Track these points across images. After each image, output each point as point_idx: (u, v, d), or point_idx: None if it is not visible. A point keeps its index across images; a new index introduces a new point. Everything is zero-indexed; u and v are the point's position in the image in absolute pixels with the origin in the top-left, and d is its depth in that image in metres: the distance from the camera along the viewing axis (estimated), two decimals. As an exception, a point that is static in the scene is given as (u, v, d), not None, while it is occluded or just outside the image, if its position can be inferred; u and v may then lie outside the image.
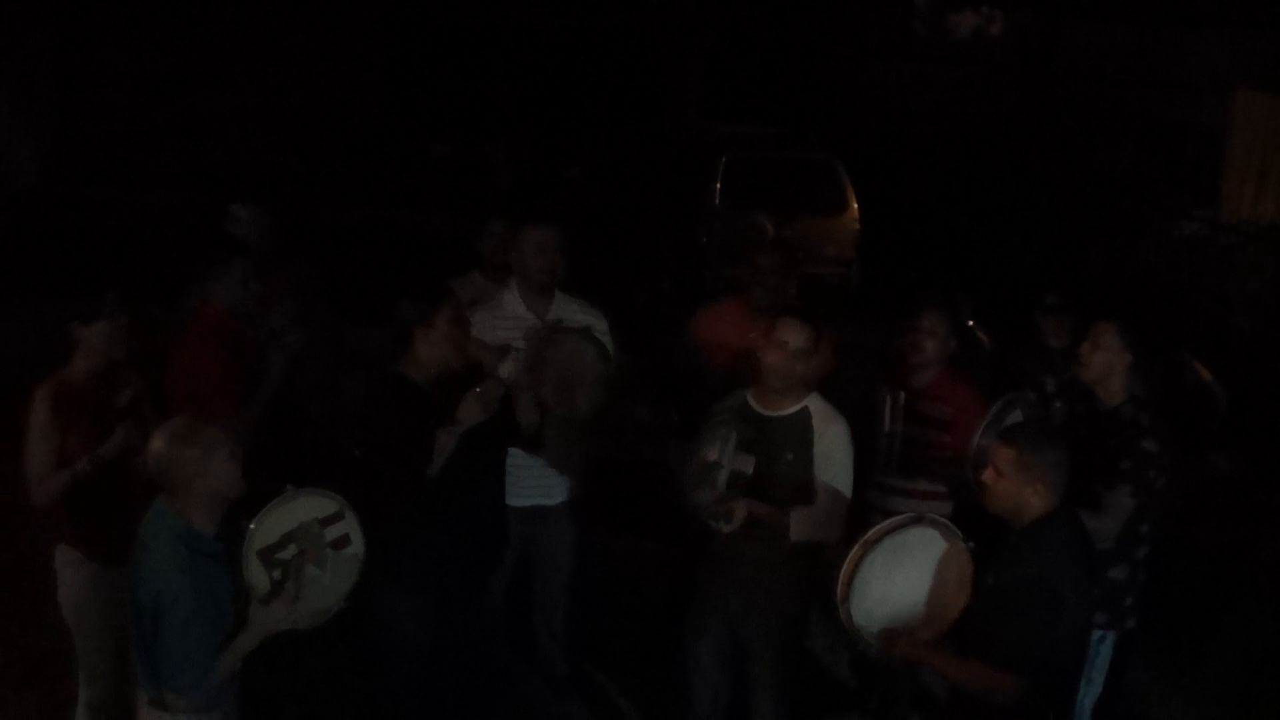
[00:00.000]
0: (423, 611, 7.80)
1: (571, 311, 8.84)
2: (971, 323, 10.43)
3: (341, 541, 6.61)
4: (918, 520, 6.82)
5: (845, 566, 6.68)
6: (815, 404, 7.64)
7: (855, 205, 20.81)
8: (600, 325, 8.78)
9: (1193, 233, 21.70)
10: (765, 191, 19.87)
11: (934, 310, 8.65)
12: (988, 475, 6.63)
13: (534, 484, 8.83)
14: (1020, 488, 6.46)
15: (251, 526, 6.29)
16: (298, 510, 6.47)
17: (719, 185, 20.34)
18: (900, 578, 6.76)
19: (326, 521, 6.55)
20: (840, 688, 9.53)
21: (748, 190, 20.01)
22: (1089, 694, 7.90)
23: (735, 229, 17.99)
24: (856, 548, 6.71)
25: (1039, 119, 27.30)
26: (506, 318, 8.64)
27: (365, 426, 7.65)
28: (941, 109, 29.33)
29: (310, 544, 6.44)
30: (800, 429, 7.54)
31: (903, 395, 8.46)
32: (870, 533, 6.75)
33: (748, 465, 7.42)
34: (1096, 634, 7.53)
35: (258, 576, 6.30)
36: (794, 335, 7.52)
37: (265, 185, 22.25)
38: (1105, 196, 23.64)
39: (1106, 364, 7.90)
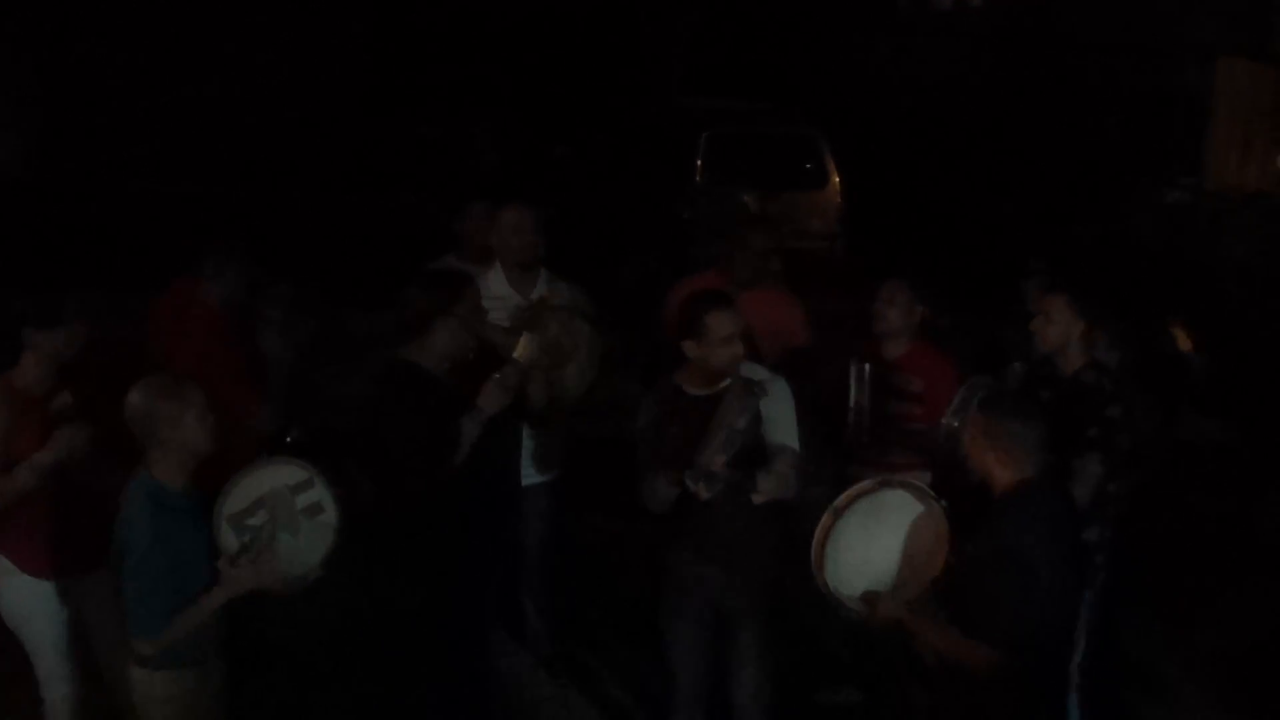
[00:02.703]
0: (450, 600, 7.82)
1: (556, 290, 8.91)
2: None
3: (314, 509, 6.69)
4: (887, 484, 6.85)
5: (817, 535, 6.71)
6: (748, 368, 7.61)
7: (837, 179, 20.82)
8: (586, 307, 8.79)
9: (1178, 200, 21.71)
10: (747, 167, 19.89)
11: (893, 280, 8.65)
12: (966, 443, 6.66)
13: (523, 463, 8.80)
14: (985, 456, 6.48)
15: (223, 491, 6.42)
16: (268, 477, 6.61)
17: (701, 161, 20.35)
18: (876, 542, 6.78)
19: (297, 489, 6.64)
20: (833, 660, 9.52)
21: (730, 166, 20.03)
22: (1073, 654, 7.89)
23: (718, 205, 18.00)
24: (826, 515, 6.72)
25: (1022, 89, 27.29)
26: (491, 299, 8.55)
27: (382, 417, 7.62)
28: (925, 81, 29.31)
29: (280, 510, 6.52)
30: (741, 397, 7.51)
31: (869, 367, 8.43)
32: (839, 499, 6.77)
33: (721, 450, 7.39)
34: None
35: (226, 540, 6.44)
36: (726, 324, 7.47)
37: (252, 172, 22.28)
38: (1091, 166, 23.65)
39: (1061, 334, 7.93)
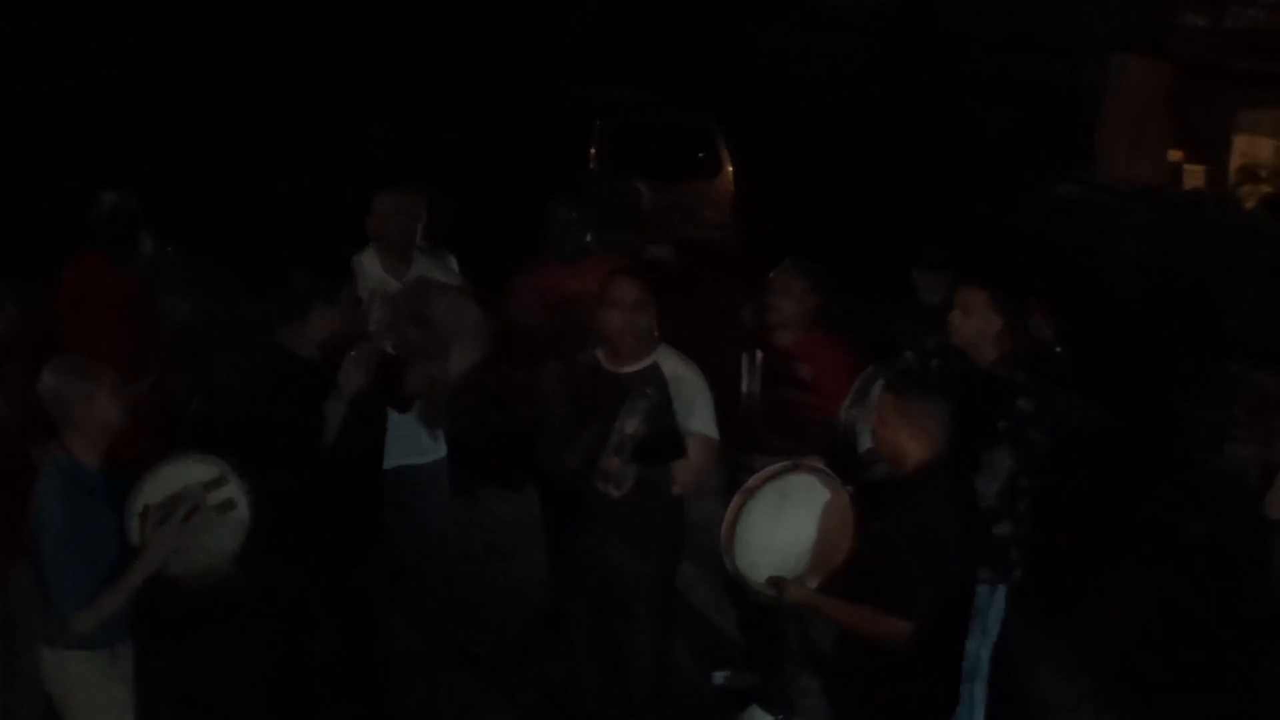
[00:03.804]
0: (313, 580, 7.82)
1: (429, 270, 8.99)
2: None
3: (226, 506, 6.68)
4: (796, 467, 6.85)
5: (728, 516, 6.72)
6: (664, 356, 7.67)
7: (730, 169, 20.85)
8: (465, 286, 8.85)
9: (1068, 193, 21.85)
10: (642, 156, 19.89)
11: (787, 270, 8.67)
12: (874, 423, 6.69)
13: (403, 444, 8.75)
14: (898, 433, 6.51)
15: (135, 485, 6.44)
16: (180, 473, 6.60)
17: (595, 149, 20.34)
18: (784, 525, 6.78)
19: (210, 486, 6.63)
20: (728, 645, 9.56)
21: (624, 155, 20.02)
22: (985, 644, 7.92)
23: (612, 193, 17.99)
24: (737, 496, 6.75)
25: (915, 83, 27.41)
26: (367, 281, 8.68)
27: (251, 401, 7.61)
28: (819, 73, 29.38)
29: (190, 514, 6.51)
30: (655, 383, 7.54)
31: (760, 355, 8.47)
32: (751, 480, 6.80)
33: (642, 429, 7.41)
34: (986, 588, 7.55)
35: (134, 532, 6.43)
36: (627, 291, 7.54)
37: (140, 156, 22.07)
38: (982, 158, 23.79)
39: (978, 329, 7.94)
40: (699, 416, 7.60)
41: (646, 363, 7.60)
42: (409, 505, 8.97)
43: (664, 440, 7.49)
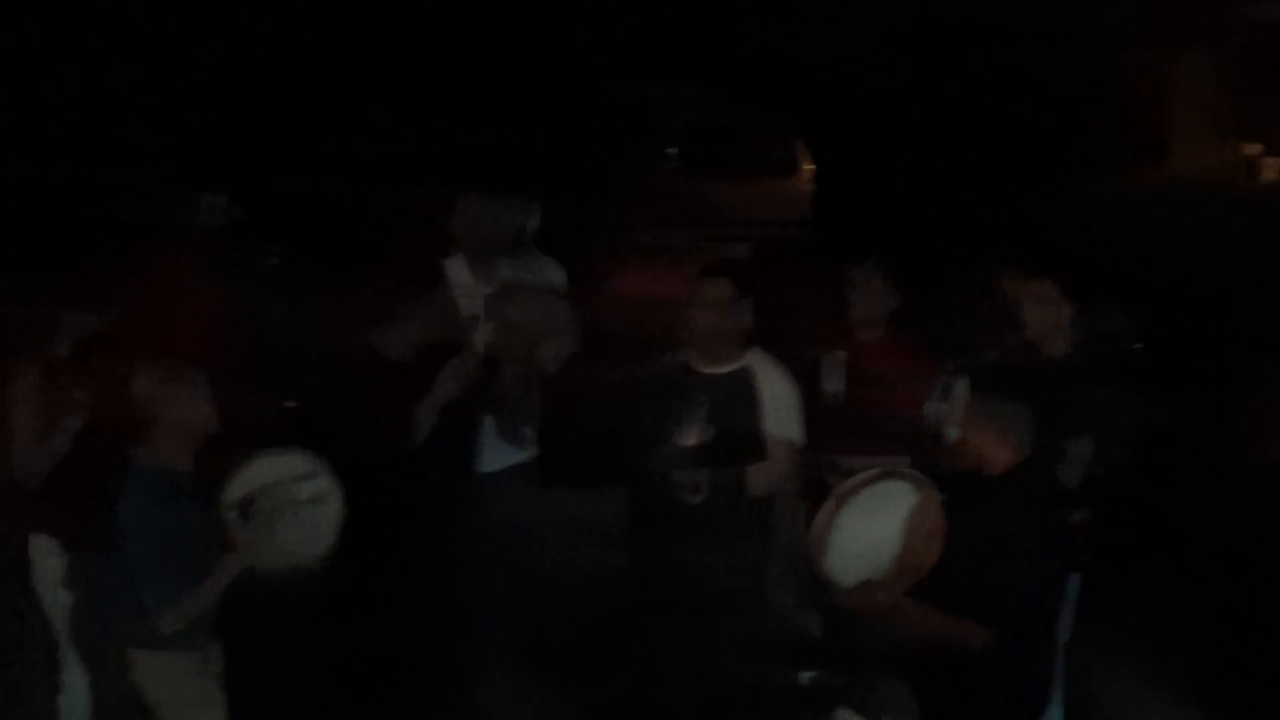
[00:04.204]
0: (400, 581, 7.86)
1: (518, 273, 8.96)
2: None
3: (316, 499, 6.72)
4: (891, 473, 6.80)
5: (819, 521, 6.68)
6: (755, 358, 7.67)
7: (808, 167, 20.85)
8: (558, 277, 8.86)
9: (1136, 189, 21.76)
10: (720, 155, 19.89)
11: (867, 269, 8.68)
12: (957, 427, 6.69)
13: (493, 445, 8.78)
14: (981, 437, 6.52)
15: (227, 478, 6.50)
16: (271, 467, 6.65)
17: (674, 149, 20.36)
18: (874, 531, 6.71)
19: (301, 479, 6.67)
20: (815, 646, 9.55)
21: (702, 154, 20.04)
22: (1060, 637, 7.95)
23: (689, 192, 18.04)
24: (831, 501, 6.68)
25: (975, 78, 27.29)
26: (455, 286, 8.70)
27: (344, 402, 7.67)
28: (887, 70, 29.26)
29: (281, 499, 6.52)
30: (744, 385, 7.55)
31: (842, 355, 8.48)
32: (843, 486, 6.74)
33: (709, 434, 7.43)
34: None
35: (229, 528, 6.50)
36: (719, 290, 7.55)
37: (204, 158, 22.13)
38: (1046, 155, 23.68)
39: (1050, 320, 7.96)
40: (784, 421, 7.60)
41: (738, 365, 7.61)
42: (498, 505, 9.03)
43: (741, 443, 7.50)
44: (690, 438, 7.35)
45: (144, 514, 6.33)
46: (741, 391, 7.52)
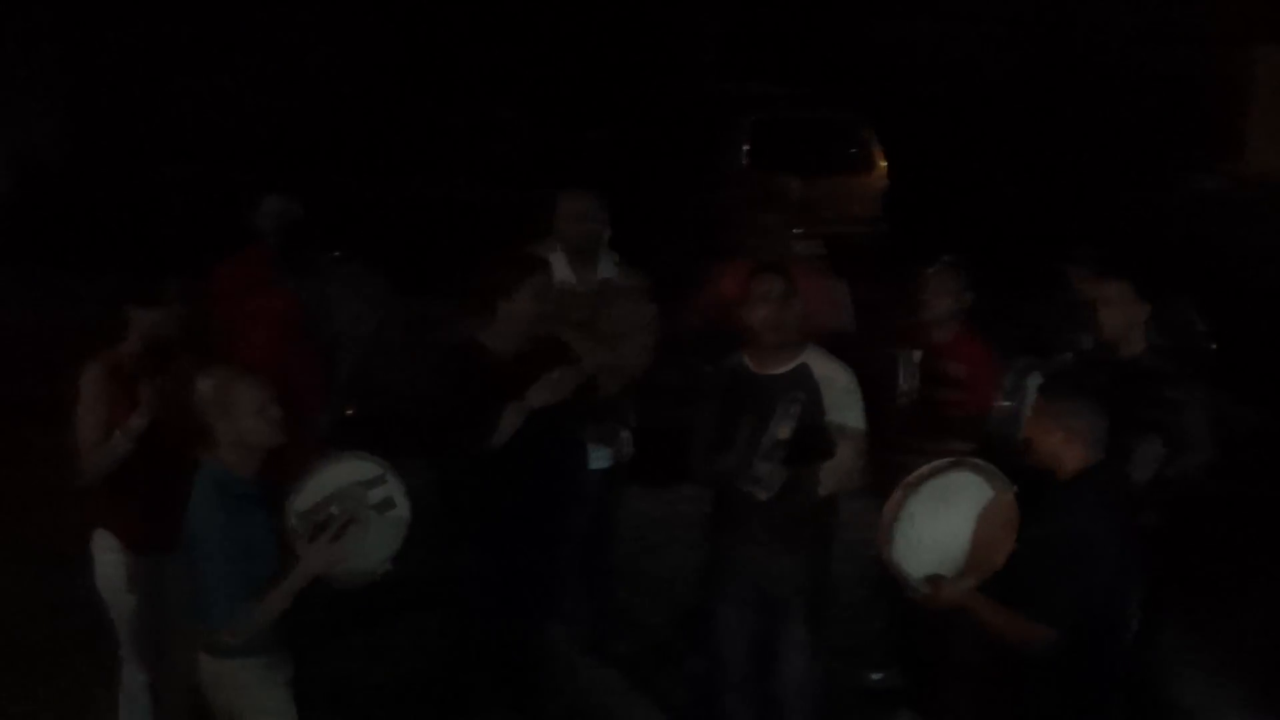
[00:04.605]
0: (481, 573, 7.84)
1: (618, 275, 9.04)
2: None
3: (385, 505, 6.67)
4: (959, 464, 6.76)
5: (887, 509, 6.64)
6: (813, 355, 7.62)
7: (883, 164, 20.78)
8: (648, 289, 8.86)
9: (1215, 186, 21.62)
10: (792, 151, 19.85)
11: (940, 269, 8.63)
12: (1028, 428, 6.64)
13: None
14: (1053, 440, 6.47)
15: (294, 486, 6.44)
16: (339, 473, 6.58)
17: (746, 146, 20.31)
18: (943, 523, 6.69)
19: (369, 484, 6.62)
20: (880, 645, 9.50)
21: (774, 150, 19.99)
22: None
23: (762, 189, 17.98)
24: (898, 490, 6.65)
25: (1060, 74, 27.20)
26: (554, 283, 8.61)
27: (436, 391, 7.68)
28: (965, 65, 29.20)
29: (351, 505, 6.48)
30: (804, 383, 7.52)
31: (917, 354, 8.43)
32: (912, 475, 6.69)
33: (786, 431, 7.39)
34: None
35: (292, 537, 6.41)
36: (771, 285, 7.53)
37: (281, 157, 22.26)
38: (1127, 151, 23.57)
39: (1124, 320, 7.89)
40: (848, 416, 7.55)
41: (795, 364, 7.56)
42: (591, 505, 9.05)
43: (813, 441, 7.46)
44: (784, 431, 7.30)
45: (209, 519, 6.24)
46: (802, 389, 7.47)
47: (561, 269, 8.81)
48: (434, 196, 22.20)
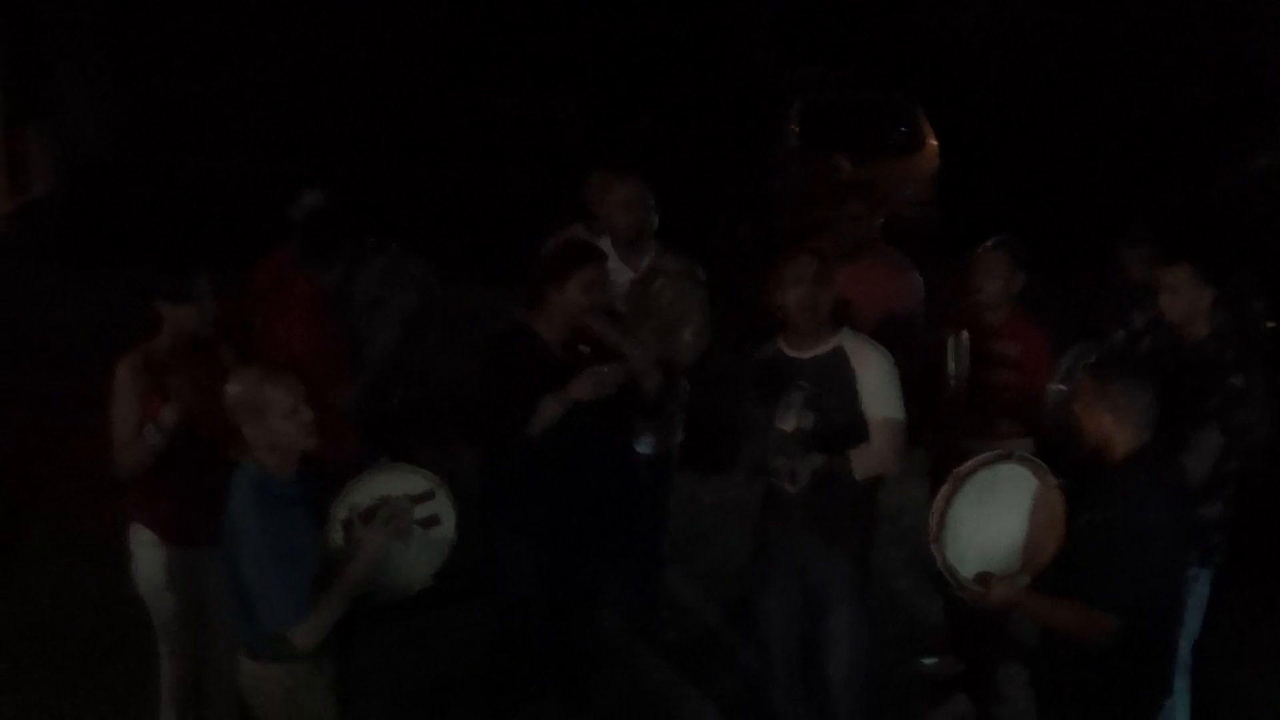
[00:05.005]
0: (526, 562, 7.76)
1: (666, 262, 8.84)
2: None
3: (430, 521, 6.55)
4: (1007, 456, 6.63)
5: (937, 503, 6.53)
6: (848, 339, 7.53)
7: (934, 144, 20.68)
8: (698, 274, 8.74)
9: (1268, 165, 21.42)
10: (842, 133, 19.78)
11: (991, 250, 8.51)
12: (1078, 410, 6.53)
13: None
14: (1102, 422, 6.36)
15: (341, 492, 6.34)
16: (387, 484, 6.46)
17: (796, 128, 20.24)
18: (992, 517, 6.58)
19: (417, 499, 6.49)
20: (934, 631, 9.42)
21: (825, 132, 19.93)
22: (1186, 634, 7.70)
23: (812, 172, 17.90)
24: (947, 484, 6.54)
25: (1112, 53, 27.05)
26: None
27: (478, 378, 7.62)
28: (1016, 45, 29.08)
29: (397, 518, 6.36)
30: (839, 367, 7.43)
31: (966, 336, 8.31)
32: (961, 467, 6.57)
33: (808, 420, 7.31)
34: (1190, 572, 7.36)
35: (338, 543, 6.32)
36: (806, 267, 7.45)
37: (330, 146, 22.29)
38: (1182, 130, 23.42)
39: (1189, 305, 7.75)
40: (884, 400, 7.44)
41: (830, 346, 7.47)
42: (640, 493, 8.97)
43: (842, 427, 7.38)
44: (788, 423, 7.23)
45: (249, 523, 6.12)
46: (837, 373, 7.38)
47: (610, 257, 8.73)
48: (484, 185, 22.22)
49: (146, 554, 7.56)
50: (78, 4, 25.73)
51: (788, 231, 13.58)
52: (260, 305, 8.81)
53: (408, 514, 6.40)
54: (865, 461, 7.35)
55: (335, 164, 17.45)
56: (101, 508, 9.34)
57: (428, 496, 6.54)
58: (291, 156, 21.57)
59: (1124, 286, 9.85)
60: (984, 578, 6.55)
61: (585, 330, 7.68)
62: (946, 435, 8.33)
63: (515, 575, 7.83)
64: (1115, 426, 6.34)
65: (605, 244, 8.74)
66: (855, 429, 7.37)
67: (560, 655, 8.39)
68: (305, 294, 8.62)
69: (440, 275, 8.84)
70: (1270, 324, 9.75)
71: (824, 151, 18.41)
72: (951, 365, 8.28)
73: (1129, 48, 26.74)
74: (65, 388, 12.31)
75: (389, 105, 27.43)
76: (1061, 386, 7.56)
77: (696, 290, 8.40)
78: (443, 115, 26.84)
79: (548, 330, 7.62)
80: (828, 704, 7.79)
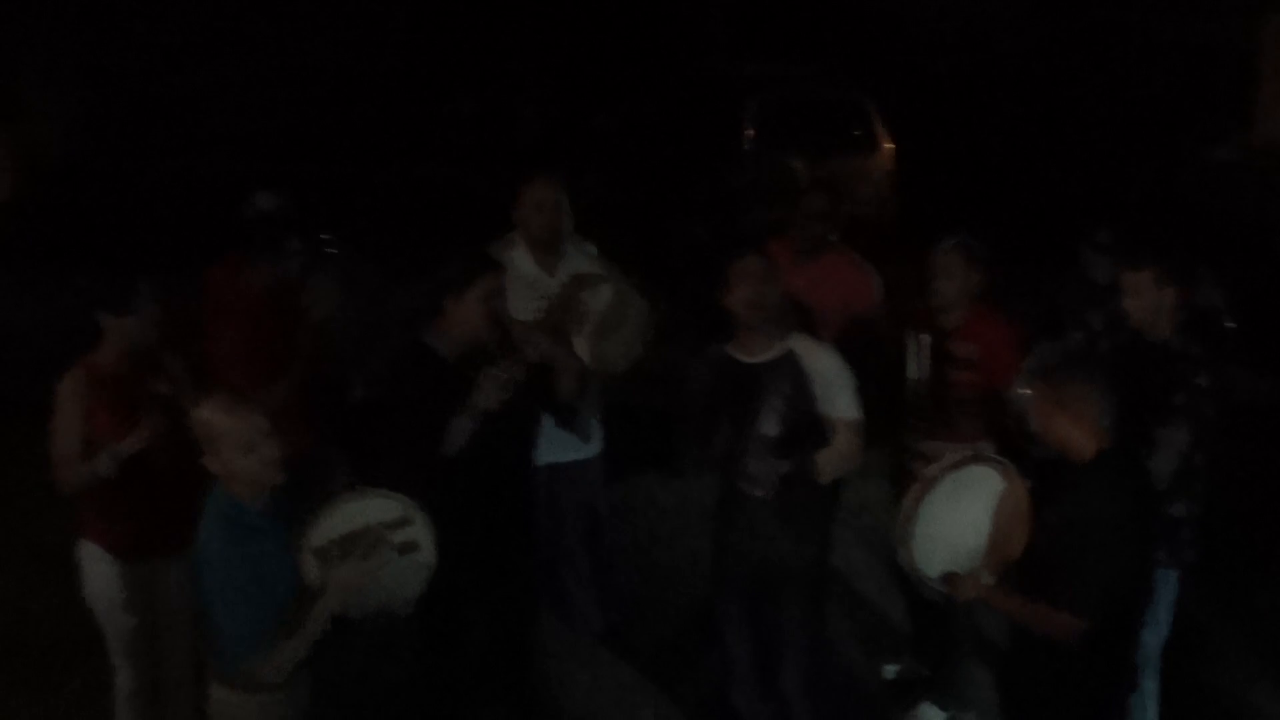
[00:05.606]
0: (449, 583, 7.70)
1: (580, 264, 8.75)
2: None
3: (409, 547, 6.44)
4: (975, 458, 6.67)
5: (905, 508, 6.52)
6: (797, 343, 7.53)
7: (888, 144, 20.70)
8: (611, 271, 8.67)
9: (1224, 157, 21.51)
10: (797, 132, 19.79)
11: (947, 251, 8.49)
12: (1033, 415, 6.53)
13: (555, 441, 8.62)
14: (1060, 424, 6.36)
15: (309, 520, 6.20)
16: (362, 511, 6.34)
17: (750, 128, 20.24)
18: (959, 517, 6.60)
19: (392, 526, 6.38)
20: (897, 635, 9.42)
21: (779, 131, 19.93)
22: (1155, 633, 7.72)
23: (767, 171, 17.92)
24: (915, 488, 6.54)
25: (1066, 46, 27.15)
26: (519, 279, 8.42)
27: (389, 399, 7.50)
28: (969, 42, 29.15)
29: (372, 549, 6.27)
30: (791, 371, 7.42)
31: (928, 337, 8.31)
32: (929, 470, 6.61)
33: (775, 427, 7.31)
34: (1159, 572, 7.37)
35: (310, 572, 6.18)
36: (750, 266, 7.45)
37: (291, 147, 22.23)
38: (1135, 122, 23.52)
39: (1152, 308, 7.75)
40: (840, 402, 7.46)
41: (780, 351, 7.47)
42: (561, 500, 8.94)
43: (805, 432, 7.39)
44: (765, 429, 7.23)
45: (219, 552, 5.93)
46: (792, 377, 7.38)
47: (524, 261, 8.71)
48: (440, 184, 22.15)
49: (96, 569, 7.51)
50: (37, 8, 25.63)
51: (745, 231, 13.55)
52: (207, 305, 8.78)
53: (383, 547, 6.30)
54: (830, 463, 7.36)
55: (296, 165, 17.35)
56: (60, 516, 9.27)
57: (404, 523, 6.42)
58: (252, 158, 21.49)
59: (1085, 284, 9.86)
60: (950, 577, 6.57)
61: (483, 344, 7.55)
62: (907, 435, 8.34)
63: (445, 593, 7.75)
64: (1073, 428, 6.33)
65: (519, 249, 8.76)
66: (817, 432, 7.38)
67: (504, 665, 8.31)
68: (248, 292, 8.60)
69: (399, 275, 8.80)
70: (1230, 324, 9.78)
71: (780, 151, 18.52)
72: (912, 366, 8.28)
73: (1087, 40, 26.83)
74: (24, 393, 12.26)
75: (350, 107, 27.37)
76: (1025, 390, 7.57)
77: (635, 295, 8.34)
78: (402, 115, 26.79)
79: (443, 345, 7.46)
80: (790, 709, 7.80)
